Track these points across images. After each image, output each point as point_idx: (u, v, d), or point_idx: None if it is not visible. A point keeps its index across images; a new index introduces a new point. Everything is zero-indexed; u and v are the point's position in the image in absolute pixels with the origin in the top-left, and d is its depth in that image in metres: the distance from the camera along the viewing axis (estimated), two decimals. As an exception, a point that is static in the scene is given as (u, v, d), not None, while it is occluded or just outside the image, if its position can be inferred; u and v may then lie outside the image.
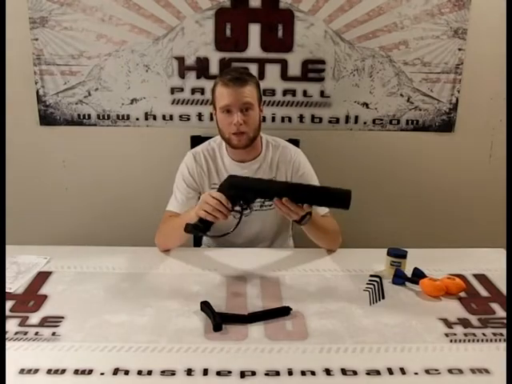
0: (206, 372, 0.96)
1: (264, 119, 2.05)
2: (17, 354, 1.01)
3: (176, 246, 1.53)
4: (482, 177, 2.23)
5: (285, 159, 1.60)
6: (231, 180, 1.36)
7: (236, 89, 1.45)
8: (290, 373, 0.96)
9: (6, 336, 1.06)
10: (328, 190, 1.28)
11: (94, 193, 2.20)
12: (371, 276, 1.35)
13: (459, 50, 2.05)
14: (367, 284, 1.32)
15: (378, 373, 0.96)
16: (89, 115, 2.10)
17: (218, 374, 0.95)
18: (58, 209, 2.21)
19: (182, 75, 2.06)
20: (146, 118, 2.11)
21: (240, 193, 1.31)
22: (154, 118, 2.11)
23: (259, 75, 2.04)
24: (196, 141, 1.85)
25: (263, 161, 1.60)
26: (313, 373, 0.96)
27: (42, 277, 1.34)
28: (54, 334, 1.08)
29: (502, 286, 1.32)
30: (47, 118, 2.10)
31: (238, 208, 1.32)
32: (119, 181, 2.20)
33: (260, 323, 1.12)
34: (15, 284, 1.30)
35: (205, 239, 1.80)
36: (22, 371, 0.95)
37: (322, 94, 2.09)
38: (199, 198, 1.62)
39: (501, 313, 1.19)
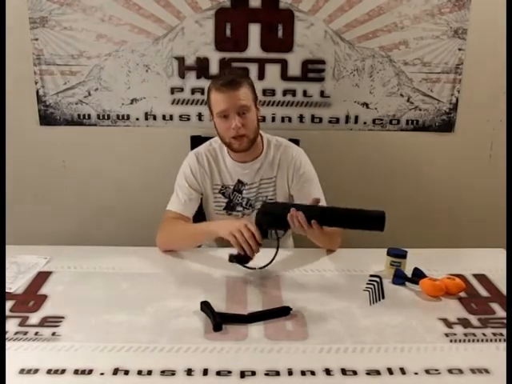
0: (205, 372, 0.96)
1: (264, 119, 2.06)
2: (17, 354, 1.01)
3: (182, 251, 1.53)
4: (481, 177, 2.23)
5: (286, 158, 1.60)
6: (265, 206, 1.37)
7: (230, 93, 1.44)
8: (290, 373, 0.96)
9: (6, 336, 1.06)
10: (363, 213, 1.25)
11: (94, 193, 2.20)
12: (371, 276, 1.35)
13: (459, 50, 2.05)
14: (367, 284, 1.32)
15: (377, 373, 0.96)
16: (89, 115, 2.10)
17: (218, 373, 0.95)
18: (58, 209, 2.21)
19: (182, 75, 2.05)
20: (146, 118, 2.11)
21: (276, 218, 1.31)
22: (154, 118, 2.11)
23: (259, 75, 2.04)
24: (196, 141, 1.85)
25: (264, 160, 1.60)
26: (313, 373, 0.96)
27: (42, 277, 1.34)
28: (54, 334, 1.08)
29: (502, 286, 1.32)
30: (47, 118, 2.10)
31: (273, 236, 1.32)
32: (119, 181, 2.20)
33: (260, 323, 1.12)
34: (15, 284, 1.30)
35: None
36: (22, 371, 0.95)
37: (322, 94, 2.09)
38: (201, 199, 1.63)
39: (501, 313, 1.19)
